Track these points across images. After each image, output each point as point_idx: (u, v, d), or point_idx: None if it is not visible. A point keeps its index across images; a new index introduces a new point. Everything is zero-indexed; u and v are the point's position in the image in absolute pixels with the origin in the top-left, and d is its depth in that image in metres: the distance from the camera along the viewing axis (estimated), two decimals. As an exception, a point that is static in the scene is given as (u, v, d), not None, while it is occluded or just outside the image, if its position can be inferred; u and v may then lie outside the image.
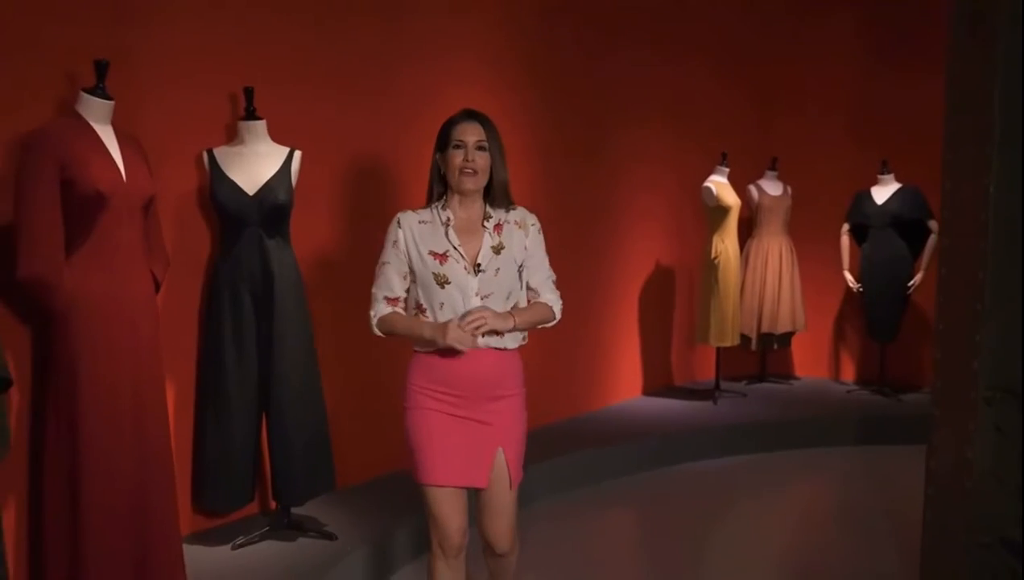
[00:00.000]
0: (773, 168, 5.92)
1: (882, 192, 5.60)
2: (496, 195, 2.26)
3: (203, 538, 3.06)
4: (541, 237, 2.34)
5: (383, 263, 2.25)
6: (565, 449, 4.44)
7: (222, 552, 2.99)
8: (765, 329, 5.82)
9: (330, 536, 3.09)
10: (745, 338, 5.77)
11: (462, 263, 2.20)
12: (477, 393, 2.23)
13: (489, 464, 2.24)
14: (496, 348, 2.24)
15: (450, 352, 2.17)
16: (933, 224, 5.33)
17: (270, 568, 2.86)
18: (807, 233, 6.05)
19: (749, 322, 5.78)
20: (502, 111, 4.40)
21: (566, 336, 4.98)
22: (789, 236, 5.90)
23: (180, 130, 2.89)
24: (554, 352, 4.83)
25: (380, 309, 2.25)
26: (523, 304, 2.31)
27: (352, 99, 3.52)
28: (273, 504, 3.23)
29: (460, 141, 2.20)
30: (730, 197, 5.33)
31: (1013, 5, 2.52)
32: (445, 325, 2.13)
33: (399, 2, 3.79)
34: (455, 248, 2.21)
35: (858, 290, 5.70)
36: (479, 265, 2.21)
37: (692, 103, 5.83)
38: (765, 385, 6.05)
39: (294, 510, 3.17)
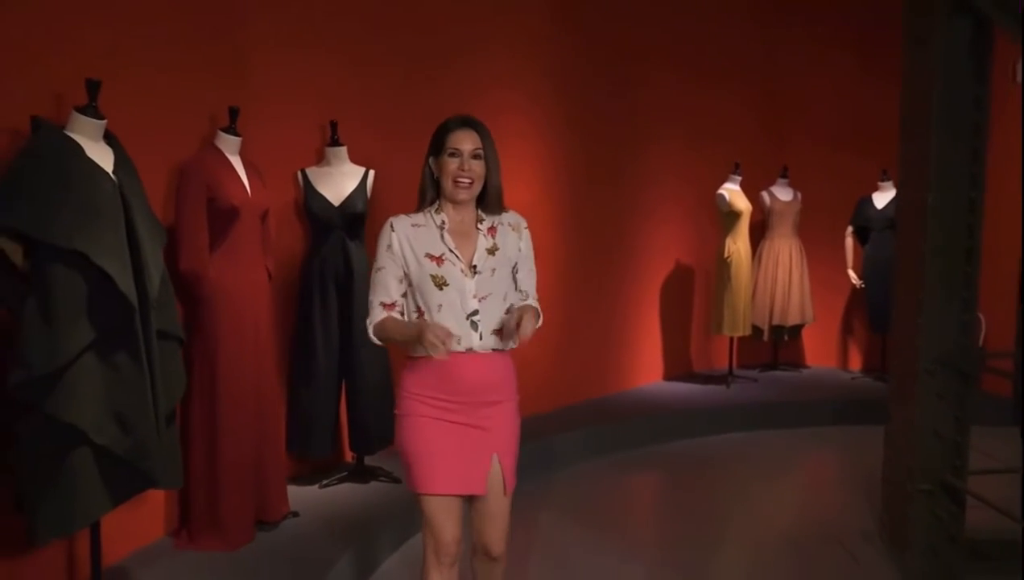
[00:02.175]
0: (784, 176, 6.53)
1: (882, 197, 6.19)
2: (490, 201, 2.22)
3: (296, 479, 3.82)
4: (530, 240, 2.32)
5: (378, 269, 2.20)
6: (593, 422, 5.16)
7: (312, 490, 3.75)
8: (776, 321, 6.43)
9: (396, 480, 3.82)
10: (757, 330, 6.39)
11: (458, 265, 2.16)
12: (472, 398, 2.17)
13: (486, 470, 2.18)
14: (495, 350, 2.20)
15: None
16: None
17: (349, 503, 3.60)
18: (816, 235, 6.64)
19: (761, 315, 6.39)
20: (542, 129, 5.17)
21: (595, 325, 5.73)
22: (799, 238, 6.49)
23: (282, 155, 3.67)
24: (583, 339, 5.56)
25: (376, 315, 2.19)
26: (516, 305, 2.27)
27: (416, 130, 4.27)
28: (350, 454, 4.00)
29: (456, 149, 2.15)
30: (741, 203, 5.96)
31: (948, 30, 3.12)
32: (423, 327, 2.04)
33: (456, 54, 4.56)
34: (451, 250, 2.17)
35: (860, 286, 6.28)
36: (475, 266, 2.17)
37: (710, 120, 6.48)
38: (776, 372, 6.68)
39: (367, 459, 3.92)
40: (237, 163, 3.16)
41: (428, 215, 2.21)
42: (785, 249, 6.44)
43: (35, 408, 2.19)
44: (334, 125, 3.73)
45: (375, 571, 3.28)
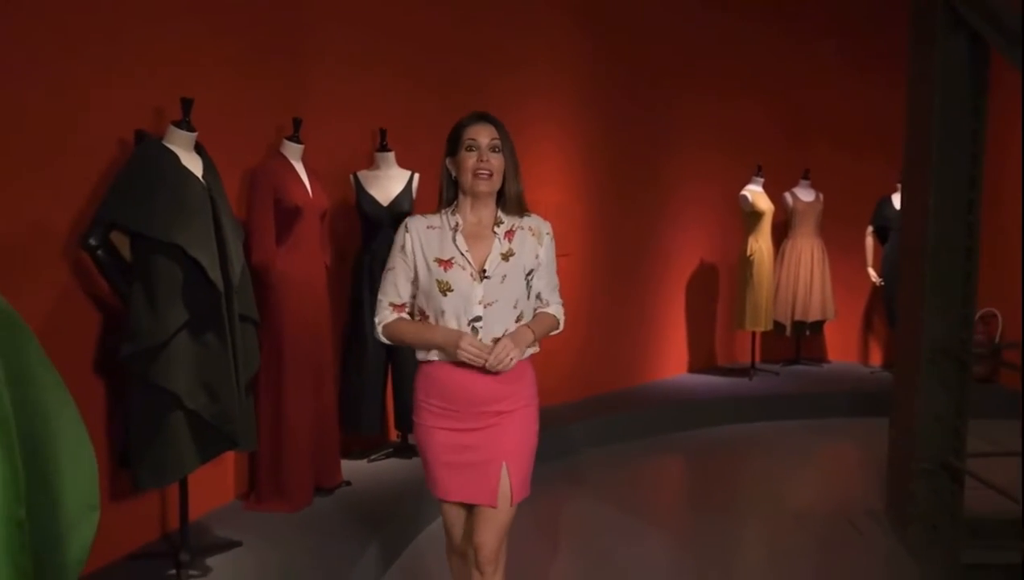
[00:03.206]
0: (806, 177, 6.78)
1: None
2: (509, 202, 2.17)
3: (347, 454, 4.20)
4: (553, 245, 2.25)
5: (389, 269, 2.17)
6: (621, 409, 5.48)
7: (361, 464, 4.13)
8: (798, 317, 6.69)
9: (437, 456, 4.19)
10: (779, 325, 6.66)
11: (468, 269, 2.09)
12: (476, 409, 2.12)
13: (495, 481, 2.13)
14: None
15: (455, 364, 2.11)
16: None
17: (394, 476, 3.97)
18: (838, 235, 6.87)
19: (784, 311, 6.65)
20: (575, 137, 5.51)
21: (623, 319, 6.05)
22: (820, 237, 6.74)
23: (337, 160, 4.05)
24: (611, 332, 5.88)
25: (385, 315, 2.17)
26: (529, 313, 2.20)
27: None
28: (395, 433, 4.37)
29: (473, 141, 2.10)
30: (764, 203, 6.24)
31: (946, 43, 3.39)
32: (460, 336, 2.05)
33: (496, 70, 4.92)
34: (462, 254, 2.11)
35: (880, 284, 6.52)
36: (485, 271, 2.10)
37: (733, 127, 6.76)
38: (798, 367, 6.93)
39: (410, 437, 4.29)
40: (300, 168, 3.55)
41: (444, 216, 2.16)
42: (807, 248, 6.68)
43: (141, 377, 2.59)
44: (383, 132, 4.10)
45: (419, 534, 3.65)
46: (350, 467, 4.00)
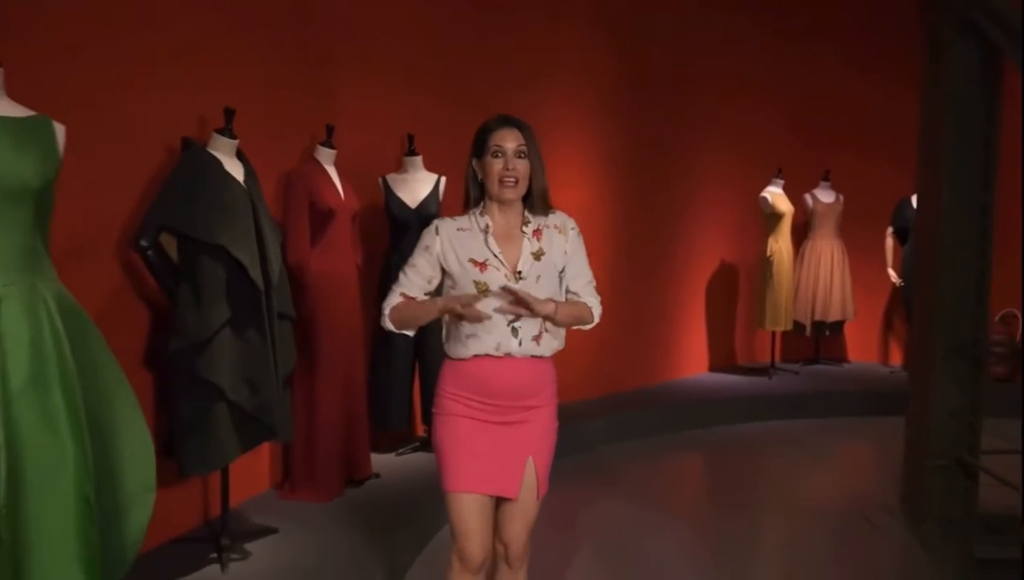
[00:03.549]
0: (826, 179, 6.85)
1: (921, 200, 6.46)
2: (535, 202, 2.17)
3: (376, 448, 4.35)
4: (581, 241, 2.24)
5: (410, 265, 2.18)
6: (641, 405, 5.59)
7: (389, 457, 4.28)
8: (818, 317, 6.76)
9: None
10: (800, 325, 6.73)
11: (503, 270, 2.10)
12: (510, 402, 2.13)
13: (520, 474, 2.14)
14: (533, 356, 2.14)
15: (494, 359, 2.11)
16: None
17: (421, 469, 4.10)
18: (858, 237, 6.93)
19: (804, 311, 6.72)
20: (597, 143, 5.64)
21: (645, 318, 6.18)
22: (840, 238, 6.80)
23: (367, 163, 4.21)
24: (634, 331, 6.01)
25: (392, 301, 2.18)
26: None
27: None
28: (421, 428, 4.52)
29: (499, 148, 2.10)
30: (783, 205, 6.32)
31: (957, 50, 3.47)
32: (446, 300, 2.07)
33: (522, 78, 5.07)
34: (495, 255, 2.11)
35: (900, 285, 6.57)
36: (519, 272, 2.11)
37: (753, 132, 6.87)
38: (818, 366, 7.00)
39: (437, 432, 4.43)
40: (332, 172, 3.70)
41: (473, 218, 2.16)
42: (827, 248, 6.75)
43: (187, 371, 2.75)
44: (411, 137, 4.25)
45: (445, 525, 3.78)
46: (379, 460, 4.15)
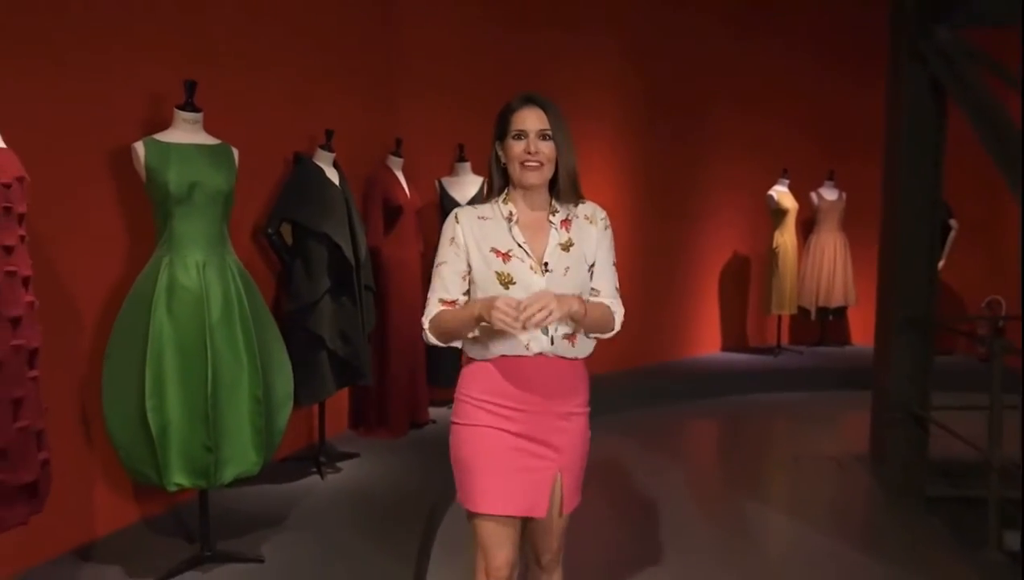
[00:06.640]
0: (831, 178, 7.59)
1: (915, 197, 7.17)
2: (563, 188, 1.98)
3: (432, 402, 5.24)
4: (611, 237, 2.05)
5: (439, 264, 1.98)
6: (658, 378, 6.45)
7: (443, 410, 5.14)
8: (821, 303, 7.51)
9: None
10: (805, 311, 7.49)
11: (528, 262, 1.92)
12: (545, 408, 1.95)
13: (548, 491, 1.96)
14: (566, 357, 1.97)
15: (522, 358, 1.93)
16: (953, 222, 6.86)
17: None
18: (862, 233, 7.61)
19: (809, 298, 7.48)
20: (619, 150, 6.51)
21: (663, 304, 7.01)
22: (843, 232, 7.54)
23: (426, 169, 5.13)
24: (652, 312, 6.86)
25: (430, 312, 1.97)
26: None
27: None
28: (469, 387, 5.42)
29: (520, 130, 1.93)
30: (788, 202, 7.10)
31: (909, 71, 4.22)
32: (495, 298, 1.79)
33: (552, 92, 5.94)
34: (520, 245, 1.93)
35: (896, 274, 7.28)
36: (546, 264, 1.92)
37: (763, 136, 7.64)
38: (822, 347, 7.75)
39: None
40: (400, 176, 4.63)
41: (495, 206, 1.98)
42: (831, 241, 7.49)
43: (300, 326, 3.69)
44: (461, 146, 5.15)
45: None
46: (435, 411, 5.05)
